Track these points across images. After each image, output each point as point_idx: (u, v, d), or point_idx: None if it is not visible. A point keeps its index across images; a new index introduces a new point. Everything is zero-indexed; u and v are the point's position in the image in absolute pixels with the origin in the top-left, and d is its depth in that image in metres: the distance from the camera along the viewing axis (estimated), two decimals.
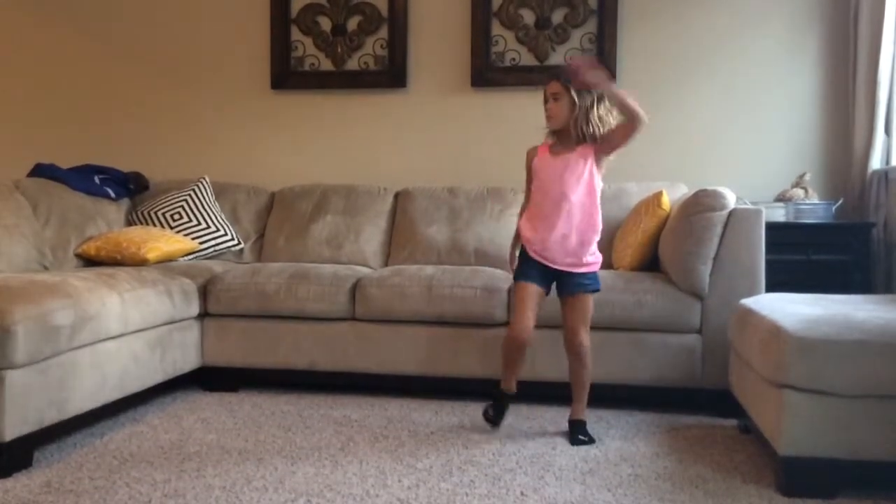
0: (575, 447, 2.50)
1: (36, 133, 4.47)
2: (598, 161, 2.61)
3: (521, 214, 2.82)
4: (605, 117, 2.58)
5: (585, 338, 2.64)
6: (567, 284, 2.65)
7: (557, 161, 2.63)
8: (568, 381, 2.74)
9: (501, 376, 2.74)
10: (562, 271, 2.64)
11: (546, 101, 2.63)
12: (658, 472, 2.27)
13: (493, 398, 2.75)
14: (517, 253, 2.79)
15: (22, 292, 2.31)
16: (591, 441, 2.57)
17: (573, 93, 2.55)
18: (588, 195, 2.61)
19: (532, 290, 2.65)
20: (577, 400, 2.67)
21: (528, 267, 2.68)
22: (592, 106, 2.57)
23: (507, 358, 2.72)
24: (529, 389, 2.99)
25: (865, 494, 2.10)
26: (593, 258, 2.65)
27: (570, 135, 2.61)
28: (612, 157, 2.64)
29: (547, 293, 2.70)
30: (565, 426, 2.69)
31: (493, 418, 2.72)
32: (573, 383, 2.67)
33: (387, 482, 2.17)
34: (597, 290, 2.68)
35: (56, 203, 3.48)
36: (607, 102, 2.58)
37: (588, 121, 2.57)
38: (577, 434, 2.59)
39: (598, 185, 2.64)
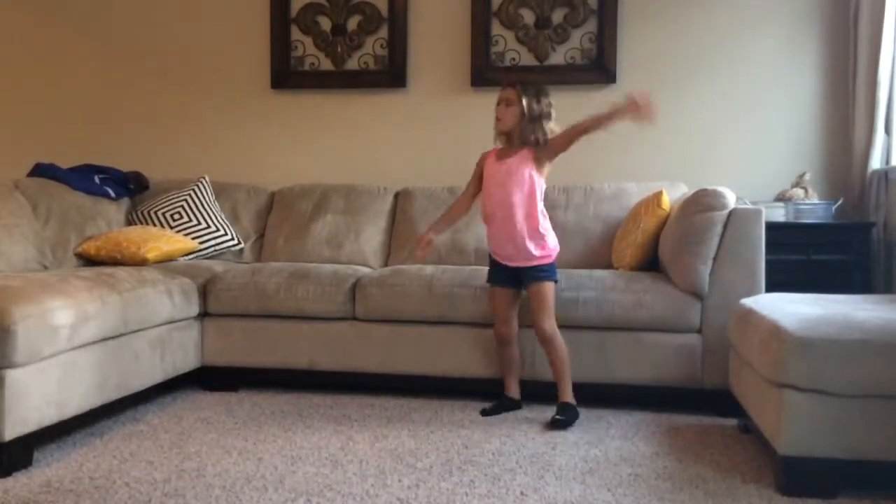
0: (575, 447, 2.50)
1: (36, 133, 4.47)
2: (539, 165, 2.83)
3: (453, 208, 3.07)
4: (555, 129, 2.82)
5: (549, 324, 2.81)
6: (525, 278, 2.85)
7: (501, 165, 2.86)
8: None
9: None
10: (519, 267, 2.84)
11: (498, 104, 2.86)
12: (658, 472, 2.28)
13: (497, 397, 2.94)
14: (432, 236, 2.99)
15: (22, 292, 2.31)
16: (569, 419, 2.71)
17: (524, 102, 2.79)
18: (528, 197, 2.81)
19: (498, 291, 2.91)
20: (559, 384, 2.81)
21: (494, 269, 2.93)
22: (539, 118, 2.80)
23: (499, 358, 2.97)
24: (529, 389, 2.99)
25: (865, 494, 2.10)
26: (543, 252, 2.83)
27: (514, 139, 2.85)
28: (550, 163, 2.86)
29: (519, 289, 2.90)
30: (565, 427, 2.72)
31: (487, 410, 2.89)
32: (551, 367, 2.84)
33: (387, 482, 2.17)
34: (554, 281, 2.85)
35: (56, 203, 3.49)
36: (554, 117, 2.82)
37: (533, 130, 2.81)
38: (557, 412, 2.74)
39: (539, 186, 2.84)
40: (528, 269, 2.82)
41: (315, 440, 2.56)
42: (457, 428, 2.70)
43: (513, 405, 2.92)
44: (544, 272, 2.82)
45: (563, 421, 2.70)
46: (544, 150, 2.81)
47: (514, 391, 2.94)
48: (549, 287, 2.82)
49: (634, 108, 2.63)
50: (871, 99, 3.50)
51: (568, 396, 2.78)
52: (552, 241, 2.86)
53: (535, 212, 2.80)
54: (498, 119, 2.85)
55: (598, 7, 3.94)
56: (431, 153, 4.13)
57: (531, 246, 2.80)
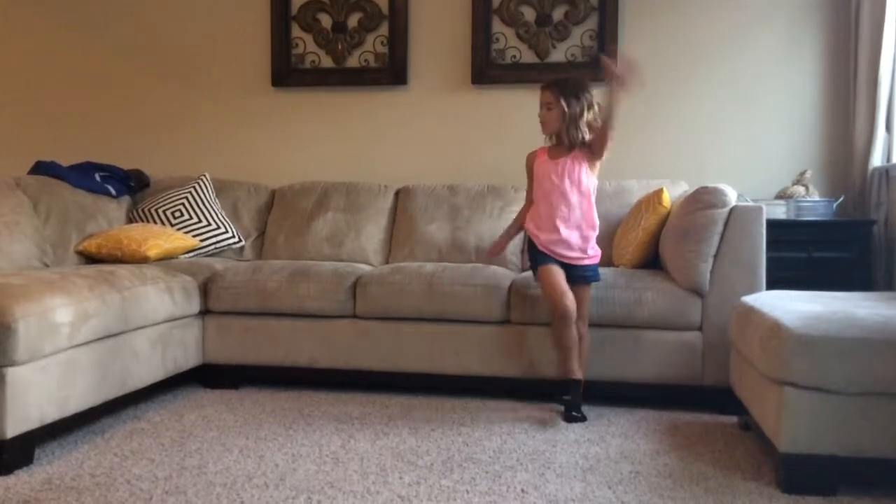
0: (576, 444, 2.50)
1: (37, 131, 4.47)
2: (591, 165, 2.86)
3: (522, 213, 3.07)
4: (594, 124, 2.82)
5: (585, 323, 2.88)
6: (573, 276, 2.86)
7: (555, 165, 2.86)
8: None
9: (563, 365, 2.79)
10: (569, 263, 2.86)
11: (540, 109, 2.88)
12: (658, 470, 2.28)
13: (565, 391, 2.82)
14: (508, 243, 3.19)
15: (23, 290, 2.31)
16: (578, 413, 2.75)
17: (563, 102, 2.81)
18: (585, 196, 2.87)
19: (556, 269, 2.83)
20: (579, 358, 2.83)
21: (543, 254, 2.88)
22: (581, 114, 2.81)
23: (564, 339, 2.77)
24: (530, 387, 3.00)
25: (865, 491, 2.10)
26: (593, 251, 2.89)
27: (563, 139, 2.87)
28: (600, 161, 2.87)
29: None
30: (566, 424, 2.72)
31: (578, 412, 2.76)
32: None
33: (388, 479, 2.18)
34: (598, 280, 2.92)
35: (57, 200, 3.48)
36: (595, 109, 2.82)
37: (577, 128, 2.82)
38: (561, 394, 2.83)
39: (593, 185, 2.88)
40: (579, 269, 2.86)
41: (316, 438, 2.56)
42: (457, 425, 2.70)
43: (579, 385, 2.80)
44: (592, 272, 2.89)
45: (573, 405, 2.75)
46: (591, 151, 2.84)
47: (578, 371, 2.79)
48: (591, 290, 2.89)
49: (620, 82, 2.66)
50: (871, 96, 3.50)
51: (578, 373, 2.78)
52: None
53: (592, 211, 2.87)
54: (542, 123, 2.88)
55: (598, 4, 3.94)
56: (432, 151, 4.13)
57: (587, 245, 2.86)
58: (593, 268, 2.89)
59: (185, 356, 3.12)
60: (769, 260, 2.89)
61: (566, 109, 2.80)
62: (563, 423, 2.72)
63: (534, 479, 2.18)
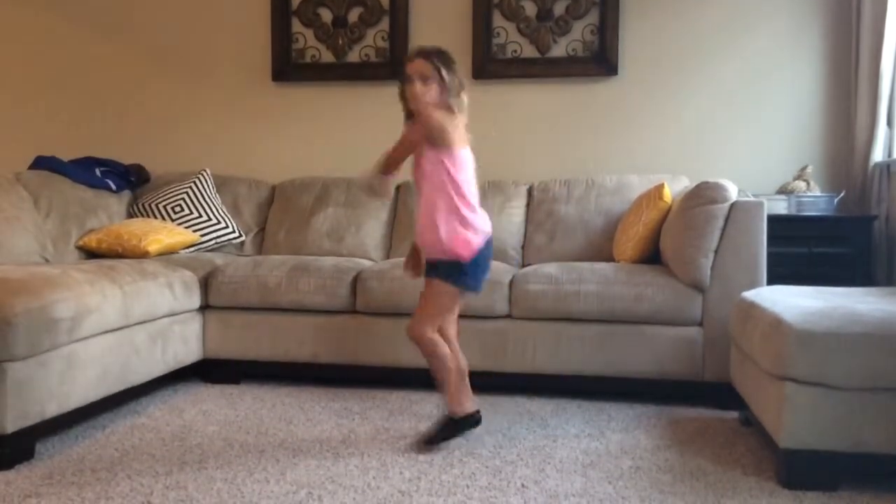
0: (576, 440, 2.50)
1: (37, 126, 4.46)
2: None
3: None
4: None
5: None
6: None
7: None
8: (565, 374, 2.90)
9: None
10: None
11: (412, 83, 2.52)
12: (659, 465, 2.28)
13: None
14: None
15: (23, 285, 2.31)
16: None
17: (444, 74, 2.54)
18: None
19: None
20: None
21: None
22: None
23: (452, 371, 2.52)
24: (528, 382, 3.00)
25: (866, 487, 2.10)
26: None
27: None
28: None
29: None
30: (567, 418, 2.72)
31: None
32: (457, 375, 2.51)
33: (388, 474, 2.18)
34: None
35: (57, 195, 3.48)
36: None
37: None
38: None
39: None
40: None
41: (316, 433, 2.56)
42: None
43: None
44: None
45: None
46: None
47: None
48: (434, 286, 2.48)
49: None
50: (873, 91, 3.49)
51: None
52: None
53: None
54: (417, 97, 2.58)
55: None
56: None
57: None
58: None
59: (186, 351, 3.12)
60: (770, 255, 2.89)
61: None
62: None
63: (534, 474, 2.18)
